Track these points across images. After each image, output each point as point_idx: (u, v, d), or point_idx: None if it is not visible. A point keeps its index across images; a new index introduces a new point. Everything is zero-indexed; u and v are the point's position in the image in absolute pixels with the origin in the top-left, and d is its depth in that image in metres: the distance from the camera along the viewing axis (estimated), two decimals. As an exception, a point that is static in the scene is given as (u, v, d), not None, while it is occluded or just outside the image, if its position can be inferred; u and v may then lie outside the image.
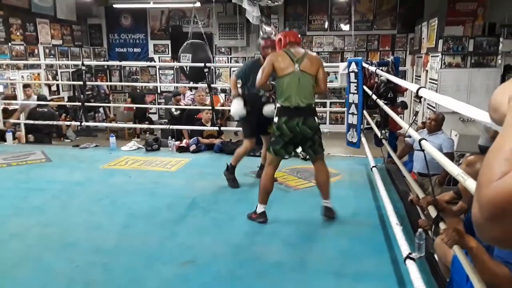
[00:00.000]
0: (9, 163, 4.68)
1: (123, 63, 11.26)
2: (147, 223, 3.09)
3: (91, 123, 8.27)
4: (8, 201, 3.51)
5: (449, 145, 4.46)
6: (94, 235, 2.86)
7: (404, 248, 2.20)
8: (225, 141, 5.40)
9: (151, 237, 2.85)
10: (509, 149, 0.52)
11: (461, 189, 2.43)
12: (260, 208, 3.09)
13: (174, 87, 10.37)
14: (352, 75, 4.73)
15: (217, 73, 11.14)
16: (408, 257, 2.08)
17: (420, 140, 2.16)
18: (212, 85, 6.08)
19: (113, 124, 9.43)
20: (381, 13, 10.38)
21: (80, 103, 7.20)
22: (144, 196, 3.66)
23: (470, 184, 1.39)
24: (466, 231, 1.91)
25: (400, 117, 4.48)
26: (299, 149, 3.35)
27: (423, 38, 8.57)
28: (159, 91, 11.59)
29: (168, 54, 11.29)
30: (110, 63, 11.37)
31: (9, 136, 5.86)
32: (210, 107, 5.54)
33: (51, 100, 9.67)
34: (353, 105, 4.81)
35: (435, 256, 2.39)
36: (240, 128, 4.15)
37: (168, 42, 11.14)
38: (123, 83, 11.63)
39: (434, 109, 6.94)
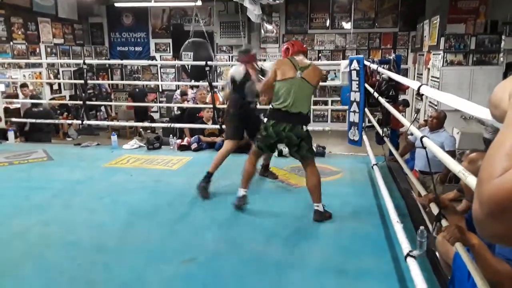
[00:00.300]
0: (11, 162, 4.68)
1: (125, 61, 11.27)
2: (148, 221, 3.09)
3: (92, 122, 8.29)
4: (9, 200, 3.51)
5: (451, 143, 4.45)
6: (95, 234, 2.87)
7: (404, 246, 2.19)
8: (226, 139, 5.39)
9: (152, 235, 2.85)
10: (510, 146, 0.51)
11: (463, 186, 2.43)
12: (241, 192, 3.24)
13: (176, 85, 10.37)
14: (354, 73, 4.72)
15: (218, 71, 11.14)
16: (408, 255, 2.08)
17: (421, 138, 2.15)
18: (214, 84, 6.08)
19: (115, 123, 9.43)
20: (382, 11, 10.35)
21: (81, 102, 7.22)
22: (146, 194, 3.67)
23: (471, 181, 1.39)
24: (468, 228, 1.91)
25: (402, 115, 4.47)
26: (285, 149, 3.41)
27: (425, 36, 8.55)
28: (160, 90, 11.59)
29: (170, 52, 11.29)
30: (112, 61, 11.38)
31: (11, 134, 5.87)
32: (211, 106, 5.54)
33: (53, 99, 9.71)
34: (354, 103, 4.80)
35: (437, 253, 2.39)
36: None
37: (170, 40, 11.14)
38: (124, 82, 11.64)
39: (436, 107, 6.93)
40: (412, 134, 4.18)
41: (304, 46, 3.47)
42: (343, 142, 5.61)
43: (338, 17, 10.55)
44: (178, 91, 8.73)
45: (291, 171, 4.28)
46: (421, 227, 2.15)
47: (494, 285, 1.53)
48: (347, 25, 10.37)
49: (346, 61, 4.95)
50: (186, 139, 5.53)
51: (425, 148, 2.16)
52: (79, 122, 6.33)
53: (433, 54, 7.93)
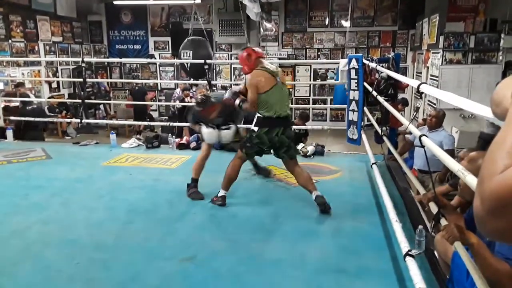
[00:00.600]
0: (10, 160, 4.68)
1: (123, 60, 11.25)
2: (147, 220, 3.09)
3: (91, 120, 8.28)
4: (8, 199, 3.51)
5: (450, 142, 4.45)
6: (94, 232, 2.87)
7: (403, 245, 2.19)
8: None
9: (151, 234, 2.85)
10: (511, 143, 0.51)
11: (461, 185, 2.43)
12: (221, 193, 3.32)
13: (175, 84, 10.36)
14: (353, 72, 4.72)
15: (217, 70, 11.12)
16: (407, 254, 2.08)
17: (420, 137, 2.15)
18: (213, 82, 6.07)
19: (114, 121, 9.43)
20: (382, 9, 10.35)
21: (80, 100, 7.22)
22: (144, 193, 3.67)
23: (470, 180, 1.39)
24: (467, 227, 1.91)
25: (401, 114, 4.47)
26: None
27: (424, 35, 8.55)
28: (159, 88, 11.58)
29: (169, 51, 11.27)
30: (111, 60, 11.36)
31: (9, 133, 5.86)
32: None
33: (52, 97, 9.69)
34: (353, 102, 4.80)
35: (435, 253, 2.39)
36: (240, 126, 4.14)
37: (169, 38, 11.11)
38: (123, 80, 11.62)
39: (435, 106, 6.93)
40: (410, 133, 4.18)
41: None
42: (342, 141, 5.61)
43: (337, 15, 10.53)
44: (178, 89, 8.73)
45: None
46: (420, 226, 2.15)
47: (493, 284, 1.53)
48: (346, 23, 10.36)
49: (345, 60, 4.95)
50: (185, 138, 5.53)
51: (423, 147, 2.16)
52: (78, 120, 6.33)
53: (432, 52, 7.93)
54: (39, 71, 9.48)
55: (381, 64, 4.51)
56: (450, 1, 7.30)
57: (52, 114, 8.66)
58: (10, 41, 8.54)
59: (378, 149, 4.61)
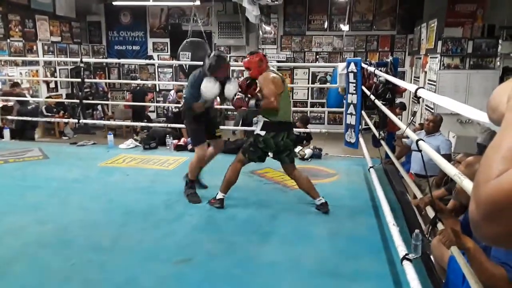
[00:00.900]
0: (6, 160, 4.66)
1: (122, 60, 11.24)
2: (144, 221, 3.08)
3: (89, 121, 8.26)
4: (4, 198, 3.50)
5: (447, 147, 4.46)
6: (90, 233, 2.86)
7: (401, 248, 2.20)
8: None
9: (147, 235, 2.84)
10: (506, 148, 0.52)
11: (458, 189, 2.44)
12: (220, 195, 3.32)
13: (173, 85, 10.35)
14: (351, 75, 4.73)
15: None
16: (404, 257, 2.08)
17: (417, 141, 2.16)
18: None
19: (111, 122, 9.41)
20: (380, 14, 10.38)
21: (78, 101, 7.20)
22: (142, 194, 3.66)
23: (467, 184, 1.39)
24: (463, 232, 1.91)
25: (398, 118, 4.48)
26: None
27: (422, 39, 8.58)
28: (157, 89, 11.57)
29: (167, 52, 11.27)
30: (109, 60, 11.35)
31: (6, 132, 5.84)
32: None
33: (49, 97, 9.66)
34: (351, 106, 4.81)
35: (431, 257, 2.39)
36: (239, 128, 4.14)
37: (167, 40, 11.12)
38: (121, 81, 11.60)
39: (432, 110, 6.95)
40: (408, 137, 4.19)
41: None
42: (339, 144, 5.62)
43: (336, 19, 10.56)
44: (172, 91, 8.74)
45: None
46: (416, 230, 2.16)
47: (489, 288, 1.54)
48: (345, 27, 10.39)
49: (344, 64, 4.96)
50: (182, 139, 5.52)
51: (421, 151, 2.16)
52: (76, 121, 6.31)
53: (430, 57, 7.96)
54: (37, 70, 9.46)
55: (379, 68, 4.53)
56: (449, 7, 7.34)
57: (49, 114, 8.64)
58: (8, 40, 8.52)
59: (375, 153, 4.61)
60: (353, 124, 4.81)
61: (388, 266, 2.42)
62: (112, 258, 2.53)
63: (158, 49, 11.40)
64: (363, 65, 4.69)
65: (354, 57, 9.73)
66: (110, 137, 5.46)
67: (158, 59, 11.32)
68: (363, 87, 4.63)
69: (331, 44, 10.67)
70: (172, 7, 10.96)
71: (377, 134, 4.18)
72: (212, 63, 3.28)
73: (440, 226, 2.04)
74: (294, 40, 10.77)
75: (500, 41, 7.09)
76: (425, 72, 8.33)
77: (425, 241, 2.30)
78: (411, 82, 9.37)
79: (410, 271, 1.96)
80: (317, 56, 10.74)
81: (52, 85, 10.03)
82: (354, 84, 4.71)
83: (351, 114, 4.83)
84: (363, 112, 4.75)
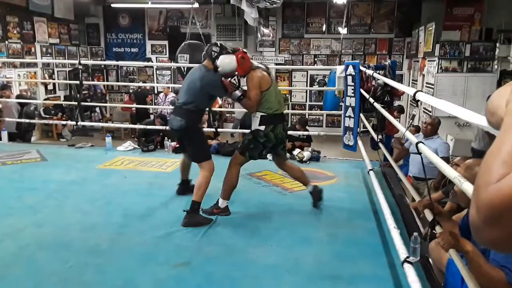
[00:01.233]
0: (4, 162, 4.64)
1: (120, 63, 11.24)
2: (142, 223, 3.07)
3: (87, 123, 8.25)
4: (1, 201, 3.48)
5: (445, 150, 4.47)
6: (88, 236, 2.84)
7: (401, 251, 2.19)
8: (221, 142, 5.39)
9: (146, 238, 2.83)
10: (506, 152, 0.52)
11: (457, 192, 2.44)
12: (223, 203, 3.25)
13: (172, 88, 10.34)
14: (349, 78, 4.74)
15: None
16: (405, 260, 2.08)
17: (417, 144, 2.16)
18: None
19: (109, 124, 9.39)
20: (378, 17, 10.42)
21: (76, 103, 7.17)
22: (140, 196, 3.65)
23: (466, 187, 1.39)
24: (462, 235, 1.91)
25: (397, 121, 4.48)
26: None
27: (420, 43, 8.61)
28: (156, 92, 11.56)
29: (166, 54, 11.28)
30: (107, 62, 11.34)
31: (4, 134, 5.82)
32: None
33: (47, 99, 9.64)
34: (350, 108, 4.82)
35: (430, 260, 2.39)
36: (237, 130, 4.14)
37: (166, 42, 11.13)
38: (120, 83, 11.60)
39: (431, 113, 6.97)
40: (407, 140, 4.20)
41: None
42: (338, 147, 5.62)
43: (335, 22, 10.59)
44: (162, 94, 8.73)
45: (286, 176, 4.27)
46: (415, 233, 2.16)
47: (488, 291, 1.54)
48: (343, 30, 10.42)
49: (342, 66, 4.97)
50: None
51: (420, 154, 2.16)
52: (74, 123, 6.29)
53: (428, 60, 7.98)
54: (35, 72, 9.45)
55: (377, 71, 4.54)
56: (446, 10, 7.38)
57: (47, 116, 8.62)
58: (6, 42, 8.51)
59: (374, 156, 4.62)
60: (352, 127, 4.82)
61: (388, 269, 2.42)
62: (109, 260, 2.52)
63: (156, 51, 11.41)
64: (361, 68, 4.70)
65: (352, 60, 9.75)
66: (108, 139, 5.44)
67: (156, 61, 11.33)
68: (362, 90, 4.64)
69: (329, 47, 10.70)
70: (170, 9, 10.97)
71: (375, 136, 4.19)
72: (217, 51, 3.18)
73: (438, 229, 2.05)
74: (292, 43, 10.80)
75: (497, 45, 7.12)
76: (423, 75, 8.36)
77: (423, 244, 2.30)
78: (409, 85, 9.39)
79: (411, 274, 1.96)
80: (315, 59, 10.76)
81: (50, 87, 10.02)
82: (353, 87, 4.71)
83: (349, 116, 4.84)
84: (361, 114, 4.76)
